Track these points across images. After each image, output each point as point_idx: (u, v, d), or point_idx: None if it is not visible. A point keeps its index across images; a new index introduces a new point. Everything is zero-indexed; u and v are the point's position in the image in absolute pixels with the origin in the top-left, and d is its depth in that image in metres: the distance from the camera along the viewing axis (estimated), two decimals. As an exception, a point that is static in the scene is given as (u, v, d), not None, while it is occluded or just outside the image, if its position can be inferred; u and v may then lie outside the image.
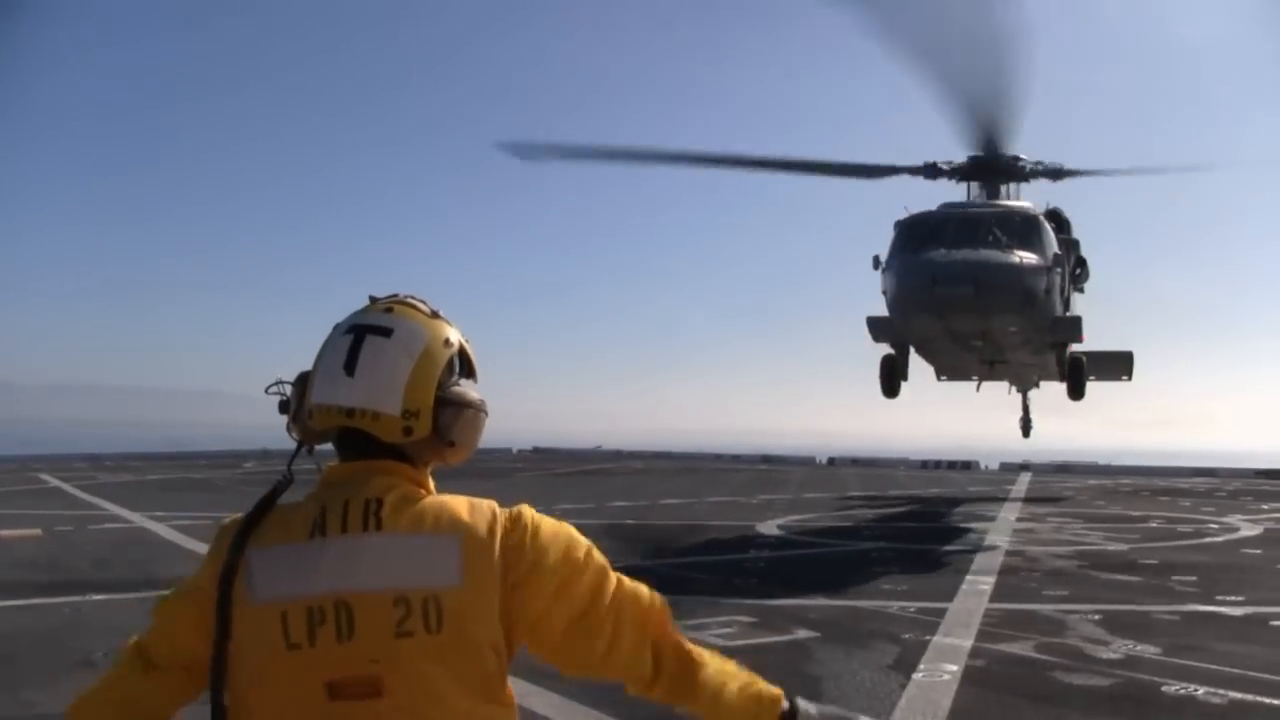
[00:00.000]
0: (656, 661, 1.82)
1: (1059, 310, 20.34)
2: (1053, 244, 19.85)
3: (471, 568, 1.69)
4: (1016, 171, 21.71)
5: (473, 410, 1.83)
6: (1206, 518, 20.77)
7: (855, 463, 43.81)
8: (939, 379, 27.91)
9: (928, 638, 8.78)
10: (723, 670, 1.84)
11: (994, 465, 42.15)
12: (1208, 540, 16.76)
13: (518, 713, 1.79)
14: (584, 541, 1.83)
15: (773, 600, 10.64)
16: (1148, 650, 8.37)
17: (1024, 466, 39.99)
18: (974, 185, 21.83)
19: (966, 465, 42.64)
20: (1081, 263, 22.91)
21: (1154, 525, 19.15)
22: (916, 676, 7.51)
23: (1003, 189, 21.85)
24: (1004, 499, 25.62)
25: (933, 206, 20.17)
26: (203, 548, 1.97)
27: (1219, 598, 10.93)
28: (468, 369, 1.89)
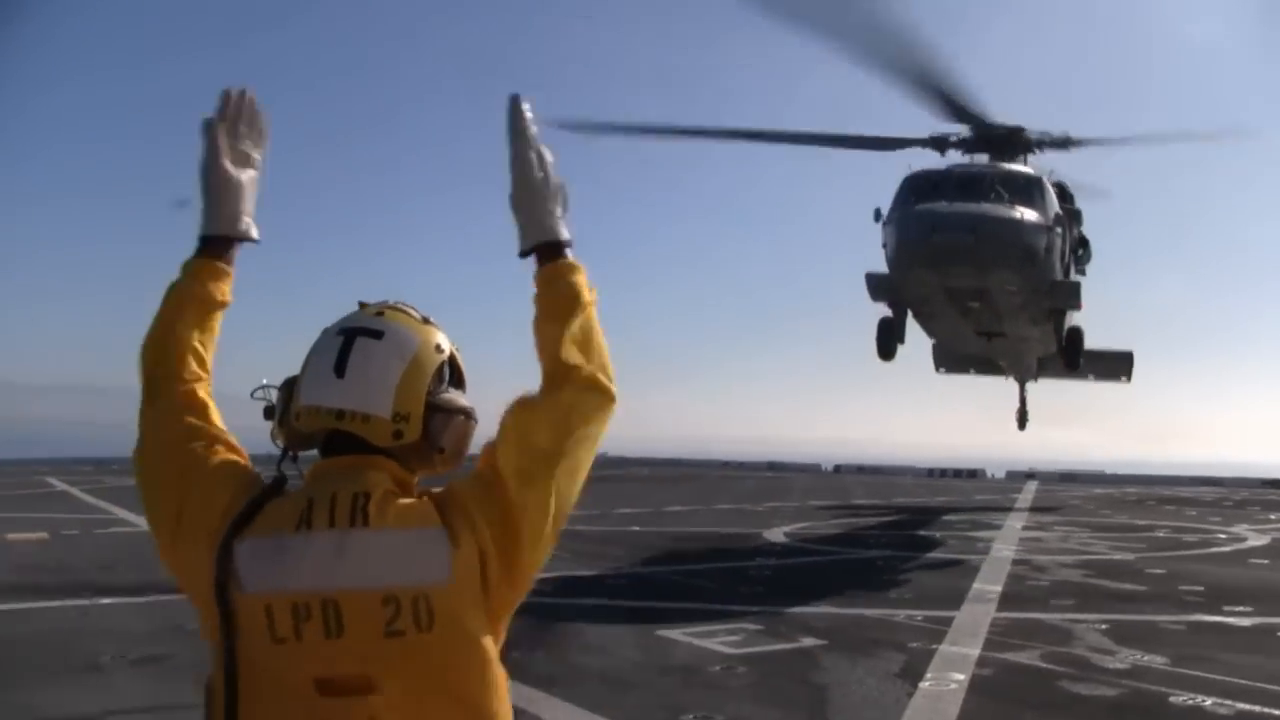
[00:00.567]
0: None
1: (1058, 273, 20.05)
2: (1054, 205, 19.64)
3: (460, 561, 1.66)
4: (1022, 141, 21.41)
5: (463, 417, 1.82)
6: (1213, 527, 20.70)
7: (861, 470, 43.76)
8: (938, 370, 27.76)
9: (934, 646, 8.74)
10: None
11: (1000, 474, 42.08)
12: (1215, 550, 16.71)
13: (511, 706, 1.76)
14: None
15: (779, 608, 10.61)
16: (1155, 660, 8.33)
17: (1030, 475, 39.90)
18: (984, 158, 21.34)
19: (973, 474, 42.57)
20: (1084, 242, 22.65)
21: (1160, 535, 19.10)
22: (923, 685, 7.47)
23: (1016, 163, 21.41)
24: (1010, 508, 25.57)
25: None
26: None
27: (1226, 608, 10.90)
28: (457, 378, 1.87)
